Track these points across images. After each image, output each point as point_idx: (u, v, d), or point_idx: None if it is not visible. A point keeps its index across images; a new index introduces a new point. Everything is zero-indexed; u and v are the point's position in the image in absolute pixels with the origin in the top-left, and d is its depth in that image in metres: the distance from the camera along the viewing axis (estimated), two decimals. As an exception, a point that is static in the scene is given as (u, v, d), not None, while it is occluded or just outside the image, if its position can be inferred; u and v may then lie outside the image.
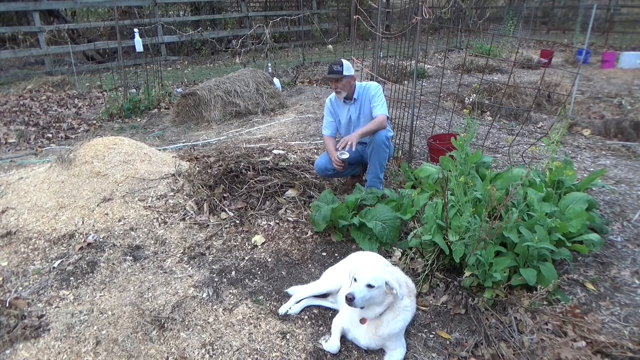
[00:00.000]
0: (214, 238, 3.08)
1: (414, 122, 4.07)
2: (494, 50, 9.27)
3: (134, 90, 7.28)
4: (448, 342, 2.17)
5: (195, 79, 8.51)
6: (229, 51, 10.85)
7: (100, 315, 2.39)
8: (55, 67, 9.13)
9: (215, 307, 2.44)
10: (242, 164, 3.65)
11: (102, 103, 6.98)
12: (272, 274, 2.72)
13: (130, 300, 2.49)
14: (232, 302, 2.48)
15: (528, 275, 2.23)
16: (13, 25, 10.09)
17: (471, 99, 5.62)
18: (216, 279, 2.67)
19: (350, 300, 1.93)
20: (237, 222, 3.22)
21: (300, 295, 2.44)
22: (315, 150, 4.44)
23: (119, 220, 3.20)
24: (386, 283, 2.01)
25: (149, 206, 3.35)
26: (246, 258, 2.88)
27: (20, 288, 2.63)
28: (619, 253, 2.62)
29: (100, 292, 2.58)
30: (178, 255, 2.91)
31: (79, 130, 5.89)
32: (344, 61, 3.22)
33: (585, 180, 2.96)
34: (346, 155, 3.18)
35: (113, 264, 2.82)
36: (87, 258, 2.87)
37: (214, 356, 2.12)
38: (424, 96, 6.31)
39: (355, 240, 2.89)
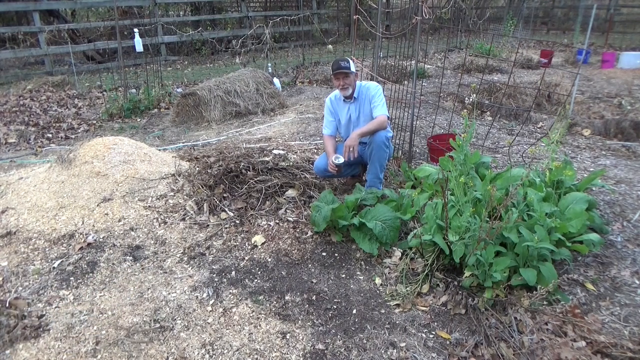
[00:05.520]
0: (214, 238, 3.08)
1: (414, 122, 4.07)
2: (494, 51, 9.27)
3: (134, 90, 7.28)
4: (448, 342, 2.17)
5: (195, 79, 8.51)
6: (229, 51, 10.86)
7: (100, 315, 2.39)
8: (55, 67, 9.12)
9: (215, 307, 2.44)
10: (242, 164, 3.65)
11: (102, 103, 6.98)
12: (272, 274, 2.72)
13: (130, 301, 2.49)
14: (232, 302, 2.48)
15: (528, 275, 2.23)
16: (13, 25, 10.09)
17: (471, 99, 5.62)
18: (216, 279, 2.67)
19: None
20: (237, 222, 3.22)
21: None
22: (315, 150, 4.44)
23: (119, 220, 3.20)
24: None
25: (149, 206, 3.35)
26: (246, 258, 2.88)
27: (20, 288, 2.63)
28: (619, 253, 2.62)
29: (100, 292, 2.58)
30: (178, 255, 2.91)
31: (79, 130, 5.89)
32: (349, 58, 3.24)
33: (585, 180, 2.96)
34: (341, 160, 3.18)
35: (113, 264, 2.82)
36: (87, 258, 2.87)
37: (214, 356, 2.12)
38: (424, 96, 6.31)
39: (355, 240, 2.89)
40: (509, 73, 7.56)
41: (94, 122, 6.18)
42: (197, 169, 3.78)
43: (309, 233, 3.08)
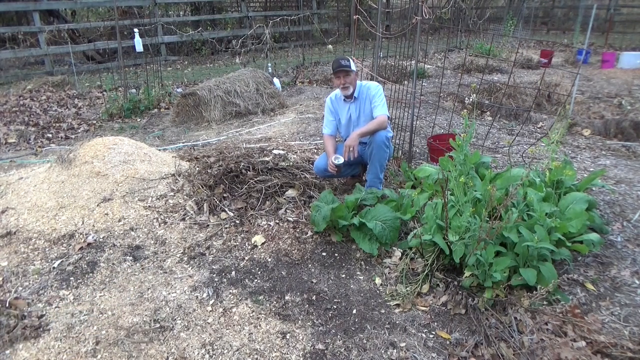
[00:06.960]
0: (214, 238, 3.08)
1: (414, 122, 4.07)
2: (494, 51, 9.27)
3: (134, 90, 7.28)
4: (448, 342, 2.17)
5: (195, 79, 8.51)
6: (229, 51, 10.86)
7: (100, 315, 2.39)
8: (55, 67, 9.12)
9: (215, 307, 2.44)
10: (242, 164, 3.64)
11: (102, 103, 6.98)
12: (272, 274, 2.72)
13: (130, 301, 2.49)
14: (232, 302, 2.48)
15: (528, 275, 2.23)
16: (13, 25, 10.08)
17: (471, 99, 5.62)
18: (216, 279, 2.67)
19: None
20: (237, 222, 3.22)
21: None
22: (315, 150, 4.44)
23: (119, 220, 3.20)
24: None
25: (149, 206, 3.35)
26: (246, 258, 2.88)
27: (20, 288, 2.63)
28: (619, 253, 2.62)
29: (100, 292, 2.58)
30: (178, 255, 2.91)
31: (79, 130, 5.89)
32: (349, 57, 3.25)
33: (585, 180, 2.96)
34: (341, 160, 3.19)
35: (113, 264, 2.82)
36: (87, 258, 2.87)
37: (214, 356, 2.12)
38: (424, 96, 6.31)
39: (355, 240, 2.89)
40: (509, 73, 7.55)
41: (94, 122, 6.18)
42: (197, 169, 3.78)
43: (309, 233, 3.08)
